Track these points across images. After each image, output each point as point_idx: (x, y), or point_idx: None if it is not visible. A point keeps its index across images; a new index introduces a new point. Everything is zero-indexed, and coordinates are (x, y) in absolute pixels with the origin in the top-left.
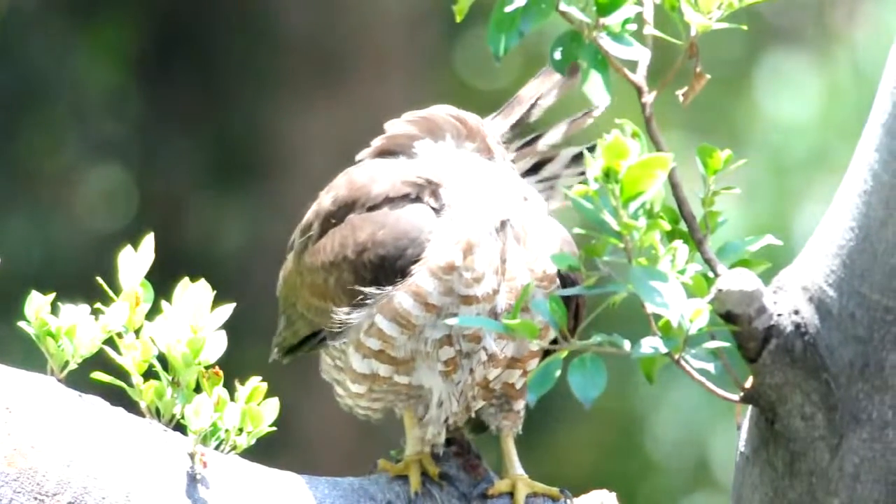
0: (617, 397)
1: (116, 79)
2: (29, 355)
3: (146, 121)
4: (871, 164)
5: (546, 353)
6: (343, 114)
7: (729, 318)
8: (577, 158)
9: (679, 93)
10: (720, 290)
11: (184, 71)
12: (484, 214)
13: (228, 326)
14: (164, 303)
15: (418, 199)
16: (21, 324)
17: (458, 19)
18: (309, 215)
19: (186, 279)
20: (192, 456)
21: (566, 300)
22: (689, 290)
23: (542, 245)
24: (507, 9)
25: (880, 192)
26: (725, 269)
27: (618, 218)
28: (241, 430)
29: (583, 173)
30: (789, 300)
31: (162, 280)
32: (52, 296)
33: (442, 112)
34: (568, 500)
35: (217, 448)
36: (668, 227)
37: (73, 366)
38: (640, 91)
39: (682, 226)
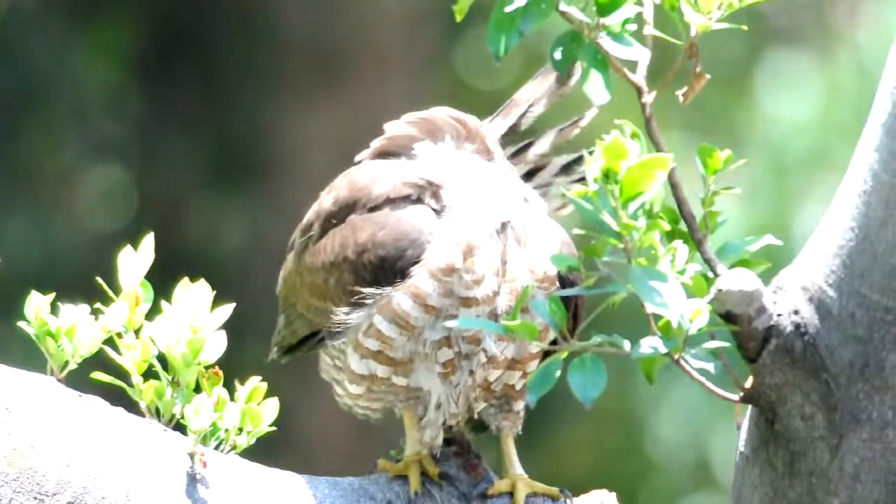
0: (617, 397)
1: (116, 79)
2: (29, 355)
3: (146, 121)
4: (870, 163)
5: (546, 353)
6: (343, 114)
7: (729, 318)
8: (569, 166)
9: (679, 93)
10: (720, 290)
11: (184, 71)
12: (484, 216)
13: (228, 326)
14: (163, 303)
15: (419, 200)
16: (21, 324)
17: (459, 19)
18: (309, 215)
19: (186, 279)
20: (191, 456)
21: (565, 301)
22: (688, 290)
23: (543, 246)
24: (507, 9)
25: (880, 191)
26: (725, 269)
27: (617, 218)
28: (240, 429)
29: (574, 181)
30: (789, 300)
31: (162, 280)
32: (52, 296)
33: (441, 113)
34: (568, 500)
35: (217, 448)
36: (667, 227)
37: (72, 366)
38: (640, 91)
39: (682, 226)
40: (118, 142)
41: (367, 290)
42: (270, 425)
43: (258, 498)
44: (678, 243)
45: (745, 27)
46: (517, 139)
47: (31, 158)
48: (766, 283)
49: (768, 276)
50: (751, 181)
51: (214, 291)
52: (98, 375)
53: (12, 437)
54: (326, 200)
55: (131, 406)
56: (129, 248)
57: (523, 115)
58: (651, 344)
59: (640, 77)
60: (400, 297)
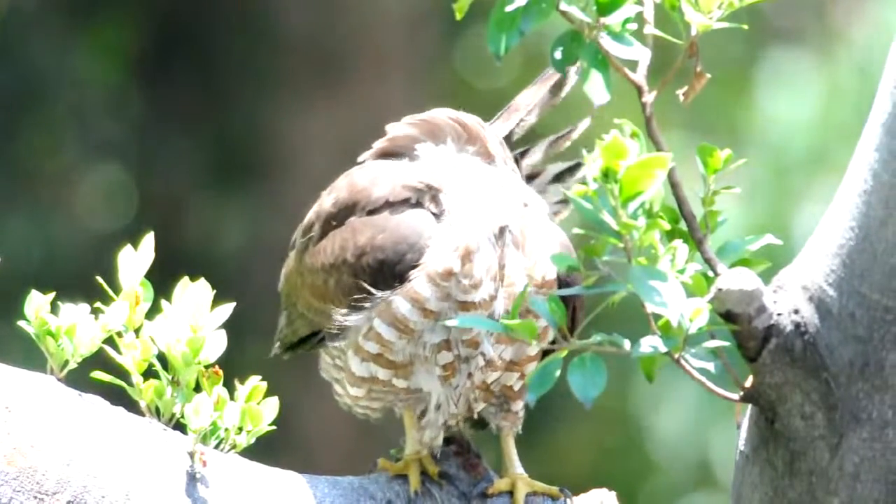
0: (617, 397)
1: (116, 79)
2: (29, 354)
3: (146, 121)
4: (871, 163)
5: (545, 353)
6: (343, 114)
7: (729, 317)
8: (561, 176)
9: (679, 92)
10: (720, 290)
11: (184, 71)
12: (483, 220)
13: (228, 326)
14: (163, 302)
15: (418, 203)
16: (21, 323)
17: (458, 17)
18: (310, 215)
19: (186, 279)
20: (191, 455)
21: (564, 302)
22: (688, 289)
23: (542, 251)
24: (508, 8)
25: (880, 191)
26: (725, 269)
27: (617, 218)
28: (240, 429)
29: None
30: (789, 299)
31: (162, 280)
32: (52, 295)
33: (443, 115)
34: (568, 500)
35: (217, 447)
36: (667, 226)
37: (72, 365)
38: (640, 91)
39: (682, 225)
40: (118, 142)
41: (365, 294)
42: (270, 424)
43: (258, 497)
44: (678, 243)
45: (745, 27)
46: (511, 147)
47: (31, 158)
48: (766, 282)
49: (768, 276)
50: (751, 181)
51: (214, 291)
52: (98, 375)
53: (12, 437)
54: (327, 201)
55: (131, 405)
56: (129, 247)
57: (521, 120)
58: (651, 343)
59: (640, 76)
60: (399, 301)
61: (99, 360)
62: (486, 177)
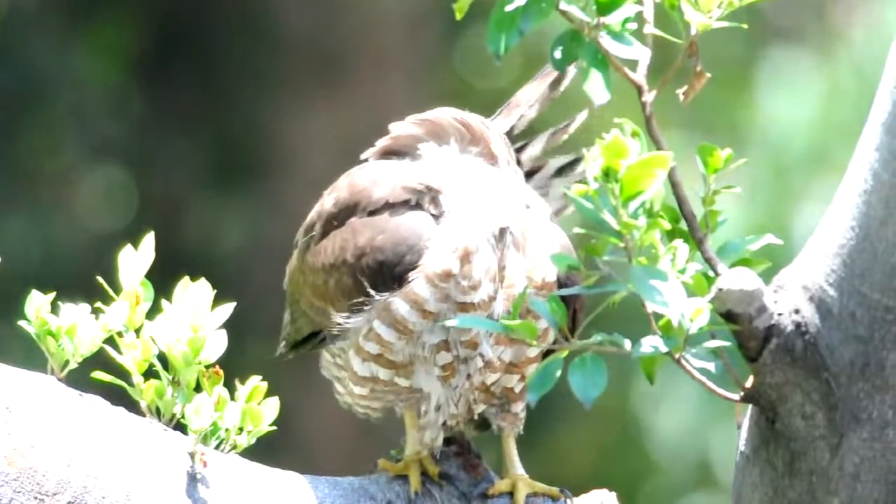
0: (617, 397)
1: (116, 79)
2: (29, 354)
3: (146, 121)
4: (871, 163)
5: (546, 353)
6: (343, 114)
7: (729, 317)
8: (564, 169)
9: (679, 92)
10: (720, 290)
11: (184, 71)
12: (483, 222)
13: (228, 326)
14: (164, 302)
15: (418, 205)
16: (21, 323)
17: (458, 17)
18: (312, 215)
19: (187, 278)
20: (192, 455)
21: (565, 303)
22: (689, 289)
23: (542, 253)
24: (508, 8)
25: (880, 191)
26: (726, 269)
27: (618, 217)
28: (241, 429)
29: (571, 183)
30: (790, 299)
31: (162, 280)
32: (53, 295)
33: (447, 115)
34: (568, 500)
35: (217, 447)
36: (668, 226)
37: (73, 365)
38: (640, 90)
39: (683, 225)
40: (118, 142)
41: (365, 295)
42: (271, 425)
43: (258, 497)
44: (679, 242)
45: (745, 26)
46: (512, 141)
47: (31, 158)
48: (766, 282)
49: (769, 276)
50: (751, 180)
51: (214, 291)
52: (98, 375)
53: (12, 437)
54: (328, 201)
55: (132, 405)
56: (129, 247)
57: (522, 115)
58: (652, 343)
59: (640, 76)
60: (398, 302)
61: (99, 360)
62: (488, 178)
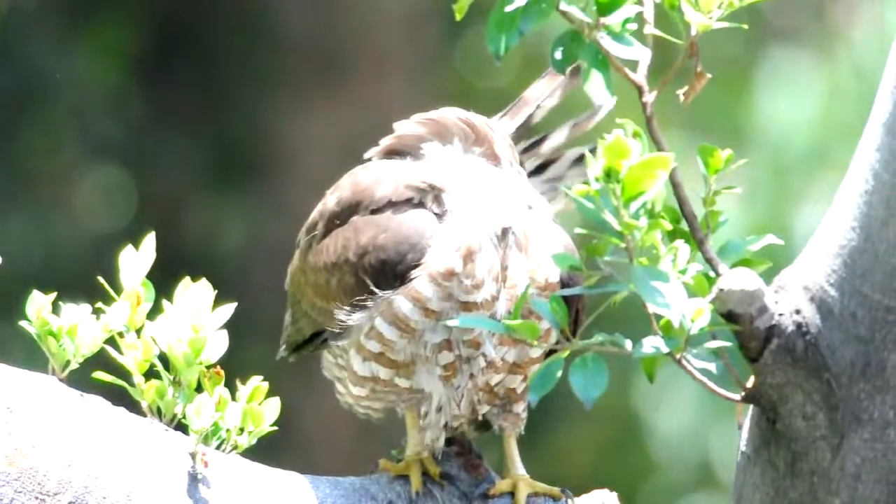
0: (618, 397)
1: (116, 79)
2: (30, 355)
3: (146, 121)
4: (872, 163)
5: (548, 353)
6: (343, 113)
7: (730, 317)
8: (581, 160)
9: (680, 92)
10: (721, 290)
11: (184, 71)
12: (485, 221)
13: (229, 326)
14: (165, 302)
15: (421, 204)
16: (22, 323)
17: (458, 17)
18: (314, 214)
19: (188, 279)
20: (193, 455)
21: (566, 303)
22: (690, 289)
23: (545, 253)
24: (508, 8)
25: (881, 191)
26: (727, 269)
27: (619, 218)
28: (242, 429)
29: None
30: (791, 300)
31: (162, 280)
32: (54, 295)
33: (452, 115)
34: (569, 500)
35: (218, 448)
36: (669, 226)
37: (74, 365)
38: (640, 91)
39: (684, 225)
40: (118, 142)
41: (367, 293)
42: (272, 425)
43: (260, 498)
44: (680, 243)
45: (745, 26)
46: (530, 133)
47: (32, 158)
48: (767, 282)
49: (769, 276)
50: (751, 181)
51: (215, 291)
52: (99, 375)
53: (14, 437)
54: (331, 200)
55: (133, 406)
56: (130, 247)
57: (533, 113)
58: (653, 343)
59: (640, 77)
60: (400, 300)
61: (100, 360)
62: (491, 178)
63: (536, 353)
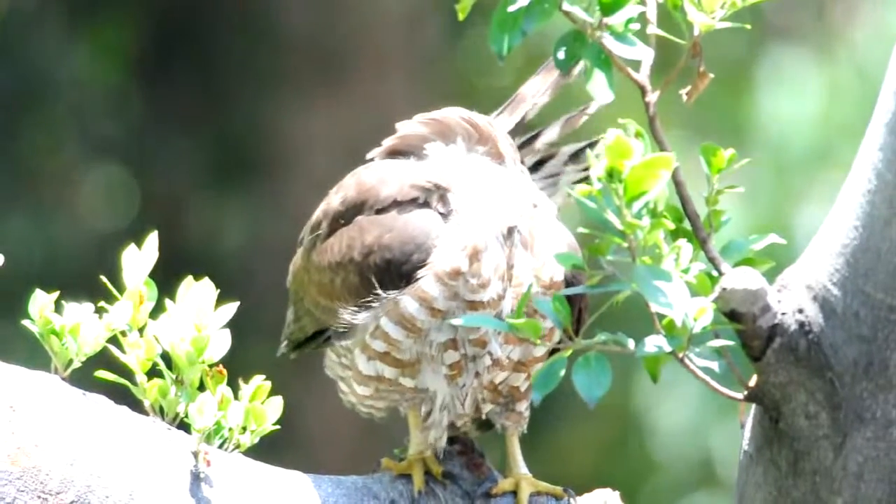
0: (620, 396)
1: (116, 79)
2: (33, 354)
3: (146, 121)
4: (874, 163)
5: (551, 353)
6: (344, 113)
7: (733, 316)
8: (577, 155)
9: (682, 92)
10: (724, 289)
11: (184, 71)
12: (491, 221)
13: (232, 325)
14: (167, 301)
15: (426, 203)
16: (25, 322)
17: (461, 17)
18: (318, 213)
19: (190, 278)
20: (195, 454)
21: (569, 302)
22: (692, 288)
23: (550, 252)
24: (510, 8)
25: (884, 191)
26: (729, 268)
27: (621, 217)
28: (244, 428)
29: (584, 170)
30: (793, 299)
31: (164, 279)
32: (56, 294)
33: (454, 115)
34: (571, 499)
35: (221, 446)
36: (671, 226)
37: (76, 364)
38: (643, 90)
39: (686, 225)
40: (119, 141)
41: (373, 293)
42: (274, 424)
43: (262, 496)
44: (682, 242)
45: (748, 26)
46: (524, 130)
47: (33, 158)
48: (770, 281)
49: (772, 275)
50: (753, 180)
51: (217, 290)
52: (102, 374)
53: (16, 436)
54: (335, 199)
55: (135, 405)
56: (132, 246)
57: (534, 104)
58: (655, 342)
59: (643, 76)
60: (406, 300)
61: (103, 359)
62: (495, 177)
63: (540, 351)
